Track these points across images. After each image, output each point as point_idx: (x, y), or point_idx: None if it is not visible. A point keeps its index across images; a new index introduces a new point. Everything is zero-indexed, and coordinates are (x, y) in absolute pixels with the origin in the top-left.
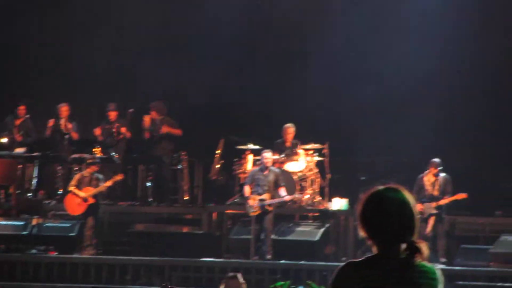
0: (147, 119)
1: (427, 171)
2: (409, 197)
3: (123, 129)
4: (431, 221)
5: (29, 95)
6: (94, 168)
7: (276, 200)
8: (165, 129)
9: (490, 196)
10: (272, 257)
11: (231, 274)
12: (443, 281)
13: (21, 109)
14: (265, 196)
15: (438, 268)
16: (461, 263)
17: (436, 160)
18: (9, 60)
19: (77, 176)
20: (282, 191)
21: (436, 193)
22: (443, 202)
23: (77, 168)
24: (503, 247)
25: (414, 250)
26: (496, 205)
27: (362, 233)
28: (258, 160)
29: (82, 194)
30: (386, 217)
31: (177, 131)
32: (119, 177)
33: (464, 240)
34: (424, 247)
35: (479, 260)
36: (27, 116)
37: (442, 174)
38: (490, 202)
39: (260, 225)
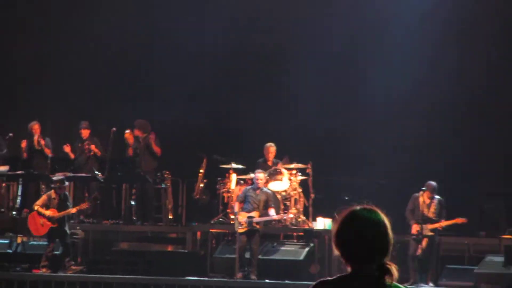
0: (129, 136)
1: (422, 192)
2: (384, 218)
3: (93, 147)
4: (424, 243)
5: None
6: (62, 190)
7: (264, 219)
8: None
9: (474, 216)
10: (256, 277)
11: None
12: None
13: None
14: (254, 214)
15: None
16: (446, 283)
17: (433, 183)
18: None
19: (44, 196)
20: (272, 212)
21: (431, 215)
22: (441, 224)
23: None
24: (488, 268)
25: (385, 271)
26: (480, 226)
27: (336, 252)
28: (242, 179)
29: (47, 213)
30: (359, 237)
31: (156, 149)
32: (84, 206)
33: (449, 260)
34: (394, 269)
35: (464, 280)
36: (8, 136)
37: (437, 197)
38: (474, 223)
39: (247, 244)
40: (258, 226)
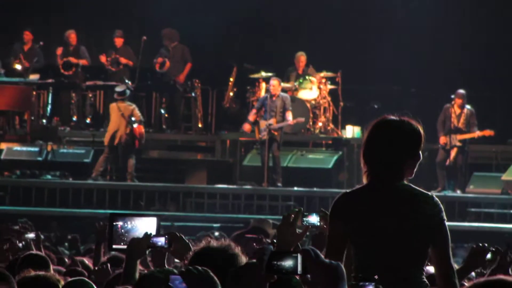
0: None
1: (453, 102)
2: (416, 126)
3: (122, 59)
4: (453, 153)
5: (37, 21)
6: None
7: (280, 125)
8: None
9: (502, 124)
10: (283, 184)
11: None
12: (442, 208)
13: (27, 34)
14: (272, 121)
15: (435, 195)
16: (474, 190)
17: (461, 91)
18: None
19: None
20: (289, 115)
21: (461, 126)
22: (468, 136)
23: (91, 95)
24: None
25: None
26: (508, 134)
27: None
28: None
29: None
30: (383, 144)
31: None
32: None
33: (477, 168)
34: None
35: (492, 188)
36: (37, 45)
37: (467, 107)
38: (503, 130)
39: (269, 152)
40: (276, 133)
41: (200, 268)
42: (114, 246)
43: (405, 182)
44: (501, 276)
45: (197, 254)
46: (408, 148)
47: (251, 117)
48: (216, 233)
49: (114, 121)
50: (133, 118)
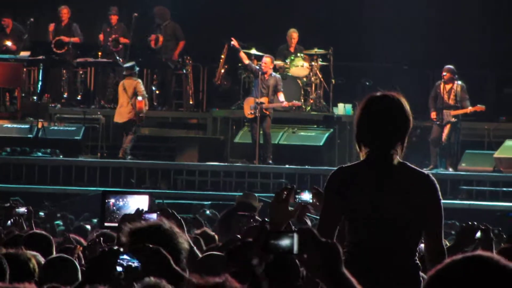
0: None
1: (443, 79)
2: (404, 104)
3: (121, 39)
4: (447, 130)
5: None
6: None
7: (274, 105)
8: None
9: (493, 101)
10: (274, 161)
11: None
12: (438, 187)
13: (6, 21)
14: (263, 99)
15: (430, 173)
16: (466, 168)
17: (448, 66)
18: None
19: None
20: (281, 97)
21: (452, 102)
22: (461, 111)
23: (81, 72)
24: (507, 152)
25: (391, 155)
26: (499, 111)
27: (355, 138)
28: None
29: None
30: (377, 121)
31: (180, 43)
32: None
33: (469, 145)
34: (398, 152)
35: (484, 165)
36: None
37: (458, 82)
38: (494, 108)
39: (259, 130)
40: (267, 112)
41: (152, 246)
42: (106, 224)
43: (399, 159)
44: (479, 252)
45: (133, 232)
46: (400, 124)
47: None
48: (208, 211)
49: (120, 99)
50: (136, 93)
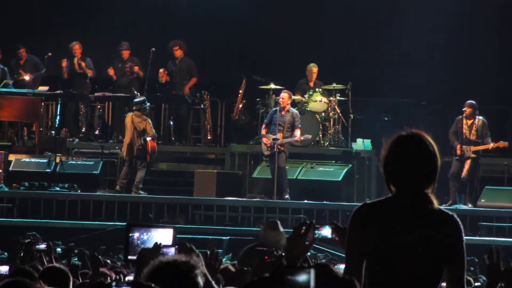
0: (163, 74)
1: (464, 114)
2: (433, 145)
3: (136, 68)
4: (467, 165)
5: (33, 35)
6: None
7: (288, 140)
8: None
9: None
10: (292, 196)
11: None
12: (462, 228)
13: (21, 51)
14: (278, 135)
15: (455, 215)
16: (485, 204)
17: (470, 101)
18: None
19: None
20: (297, 133)
21: (473, 137)
22: (482, 147)
23: (99, 107)
24: None
25: (425, 198)
26: None
27: (384, 177)
28: None
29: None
30: (406, 162)
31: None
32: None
33: (488, 181)
34: (434, 198)
35: (503, 201)
36: (47, 56)
37: (479, 117)
38: None
39: (275, 165)
40: (282, 148)
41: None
42: (129, 257)
43: (430, 199)
44: None
45: (153, 269)
46: (429, 165)
47: (263, 131)
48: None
49: (128, 133)
50: (146, 133)
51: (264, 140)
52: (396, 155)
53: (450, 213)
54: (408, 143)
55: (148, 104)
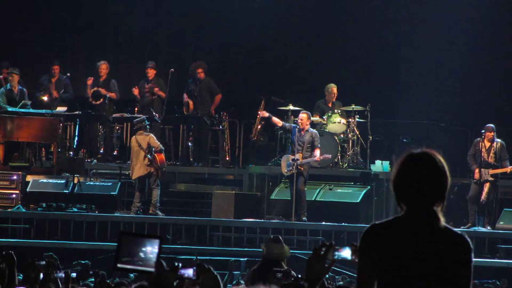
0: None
1: (483, 136)
2: (442, 161)
3: (156, 89)
4: (486, 188)
5: (65, 53)
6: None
7: (307, 160)
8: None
9: None
10: (310, 218)
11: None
12: (472, 248)
13: (55, 68)
14: (298, 156)
15: (466, 235)
16: (504, 226)
17: (490, 125)
18: (43, 16)
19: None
20: (317, 153)
21: (491, 160)
22: (500, 171)
23: (118, 127)
24: None
25: (436, 216)
26: None
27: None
28: None
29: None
30: (415, 180)
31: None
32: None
33: (507, 204)
34: (441, 215)
35: None
36: (65, 76)
37: (498, 140)
38: None
39: (293, 186)
40: (301, 168)
41: None
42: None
43: (440, 218)
44: None
45: None
46: (439, 183)
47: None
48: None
49: (134, 155)
50: (151, 148)
51: (284, 161)
52: (406, 173)
53: (459, 232)
54: (418, 162)
55: (148, 122)
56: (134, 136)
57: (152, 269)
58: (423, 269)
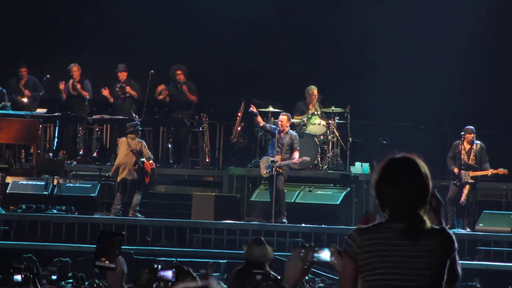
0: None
1: (462, 138)
2: (424, 167)
3: (127, 89)
4: (466, 190)
5: (31, 56)
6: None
7: (286, 163)
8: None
9: None
10: (290, 220)
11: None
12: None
13: (23, 70)
14: (277, 157)
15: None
16: (483, 228)
17: (470, 127)
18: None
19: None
20: (296, 155)
21: (471, 162)
22: (480, 173)
23: (97, 129)
24: None
25: (418, 220)
26: None
27: (375, 200)
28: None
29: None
30: (397, 185)
31: (192, 97)
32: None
33: (486, 206)
34: (427, 218)
35: (501, 226)
36: (45, 79)
37: (477, 142)
38: None
39: (273, 187)
40: (280, 170)
41: None
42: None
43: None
44: None
45: None
46: (421, 187)
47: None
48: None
49: (122, 156)
50: (142, 155)
51: (262, 163)
52: (387, 178)
53: (439, 227)
54: (399, 166)
55: (140, 128)
56: (124, 138)
57: (113, 265)
58: (410, 274)
